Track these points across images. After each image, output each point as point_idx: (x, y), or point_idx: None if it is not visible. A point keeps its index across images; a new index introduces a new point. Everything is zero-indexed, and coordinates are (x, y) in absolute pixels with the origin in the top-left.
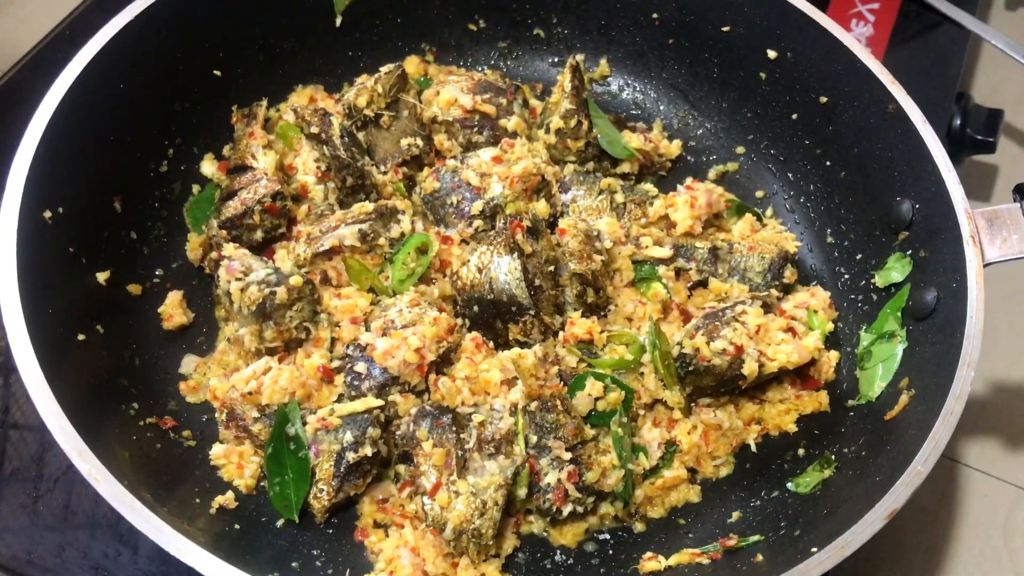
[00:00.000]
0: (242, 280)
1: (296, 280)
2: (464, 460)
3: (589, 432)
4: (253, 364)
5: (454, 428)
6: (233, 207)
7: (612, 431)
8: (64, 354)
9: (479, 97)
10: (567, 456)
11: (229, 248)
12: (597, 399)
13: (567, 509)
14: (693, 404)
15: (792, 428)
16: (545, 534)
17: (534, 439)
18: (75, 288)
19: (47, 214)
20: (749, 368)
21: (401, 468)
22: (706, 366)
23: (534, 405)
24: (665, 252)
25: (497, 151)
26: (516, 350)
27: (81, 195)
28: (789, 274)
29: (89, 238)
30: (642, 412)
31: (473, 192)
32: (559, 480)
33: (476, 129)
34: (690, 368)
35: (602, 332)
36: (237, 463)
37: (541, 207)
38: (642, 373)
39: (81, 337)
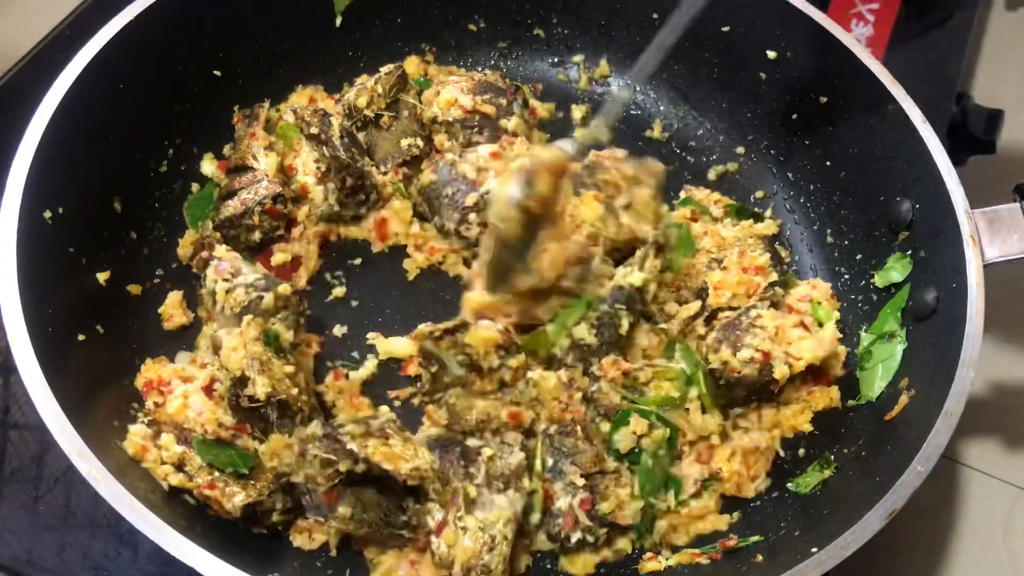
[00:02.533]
0: (229, 281)
1: (285, 288)
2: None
3: (611, 464)
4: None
5: (463, 462)
6: (232, 207)
7: (642, 461)
8: (64, 354)
9: (479, 97)
10: (581, 483)
11: (221, 250)
12: (641, 436)
13: (575, 536)
14: (727, 421)
15: (807, 428)
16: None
17: (550, 462)
18: (75, 288)
19: (47, 214)
20: (780, 371)
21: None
22: (737, 377)
23: (553, 428)
24: (695, 306)
25: (496, 147)
26: (539, 371)
27: (81, 195)
28: (784, 253)
29: (89, 238)
30: (686, 449)
31: (468, 185)
32: (570, 506)
33: (476, 129)
34: (721, 382)
35: (640, 369)
36: None
37: None
38: (687, 409)
39: (81, 337)
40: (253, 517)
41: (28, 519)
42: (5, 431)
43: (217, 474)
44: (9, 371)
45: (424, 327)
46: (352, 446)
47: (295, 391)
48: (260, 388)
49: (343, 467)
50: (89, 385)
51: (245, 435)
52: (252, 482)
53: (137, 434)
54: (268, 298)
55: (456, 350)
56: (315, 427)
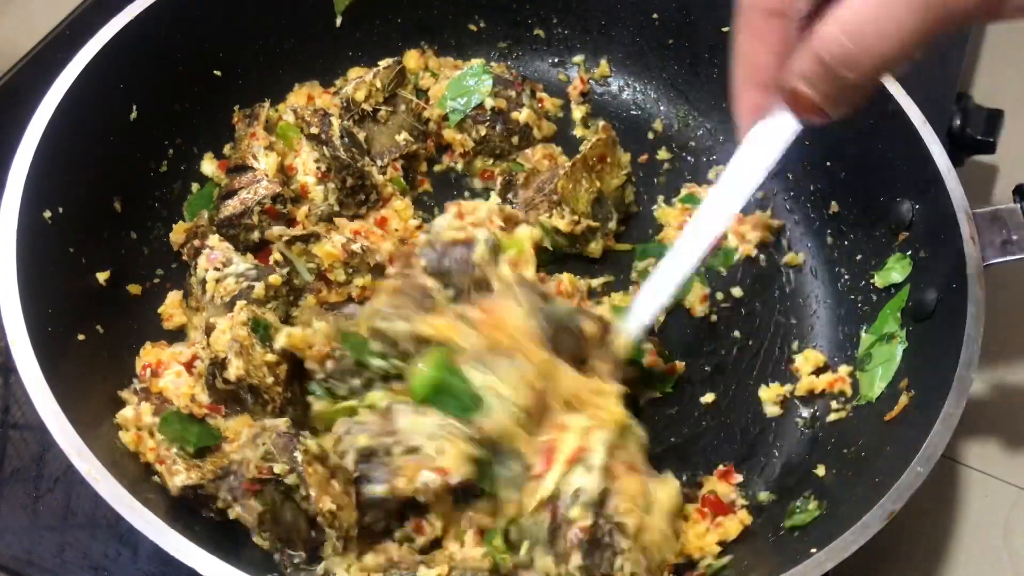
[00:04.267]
0: (220, 271)
1: (275, 279)
2: None
3: None
4: None
5: None
6: (232, 206)
7: None
8: (64, 354)
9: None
10: None
11: (214, 239)
12: None
13: None
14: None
15: (714, 550)
16: None
17: None
18: (75, 288)
19: (47, 214)
20: None
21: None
22: None
23: None
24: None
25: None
26: None
27: (81, 195)
28: None
29: (89, 238)
30: None
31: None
32: None
33: (489, 124)
34: None
35: None
36: None
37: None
38: None
39: (81, 337)
40: (195, 499)
41: (28, 519)
42: (5, 431)
43: (175, 450)
44: (9, 371)
45: (276, 229)
46: (298, 456)
47: (270, 380)
48: (233, 370)
49: (277, 469)
50: (89, 385)
51: (219, 416)
52: (199, 464)
53: (128, 403)
54: (259, 287)
55: (307, 257)
56: (283, 421)
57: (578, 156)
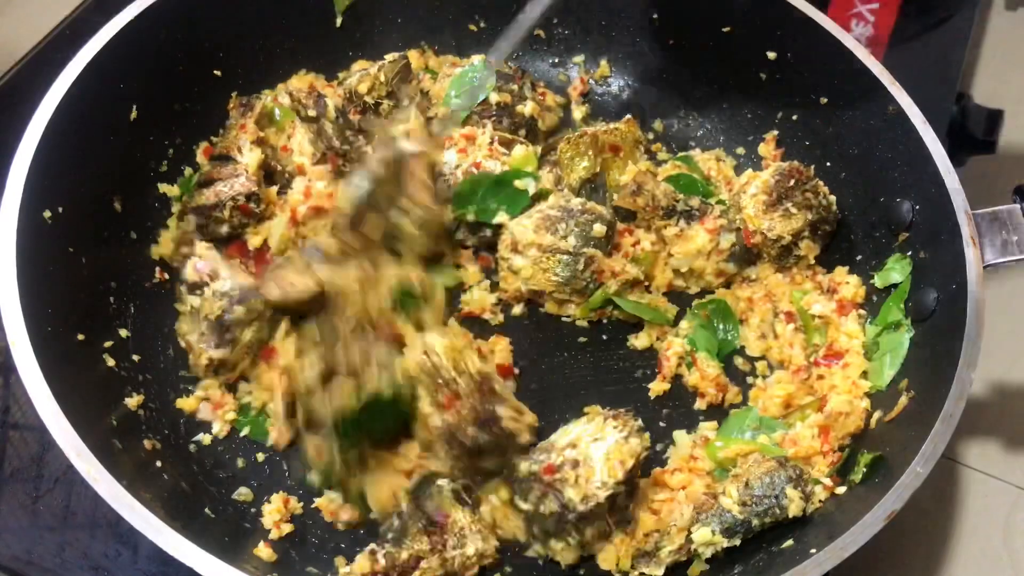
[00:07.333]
0: (206, 287)
1: (256, 303)
2: None
3: None
4: None
5: None
6: (206, 196)
7: None
8: (64, 354)
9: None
10: None
11: (201, 247)
12: None
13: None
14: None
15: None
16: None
17: None
18: (75, 288)
19: (47, 214)
20: None
21: None
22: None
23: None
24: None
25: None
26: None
27: (81, 195)
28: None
29: (89, 238)
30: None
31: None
32: None
33: (495, 119)
34: None
35: None
36: None
37: None
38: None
39: (81, 337)
40: None
41: (28, 519)
42: (5, 431)
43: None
44: (9, 371)
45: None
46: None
47: None
48: None
49: None
50: (89, 385)
51: None
52: None
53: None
54: (239, 310)
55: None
56: None
57: (590, 130)
